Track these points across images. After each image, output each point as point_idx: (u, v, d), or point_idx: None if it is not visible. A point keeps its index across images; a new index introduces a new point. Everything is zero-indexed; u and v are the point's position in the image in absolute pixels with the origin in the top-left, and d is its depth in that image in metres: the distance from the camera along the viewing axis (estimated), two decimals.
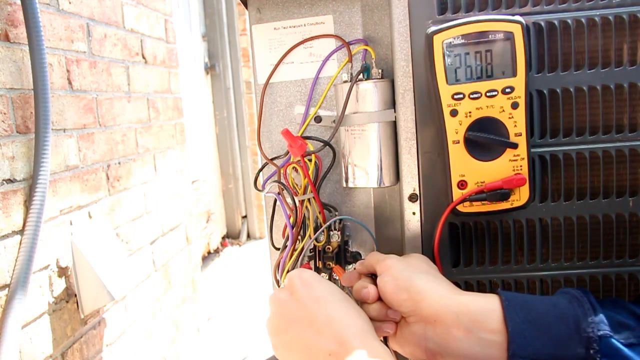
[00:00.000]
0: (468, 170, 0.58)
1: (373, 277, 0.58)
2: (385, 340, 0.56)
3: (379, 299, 0.54)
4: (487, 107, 0.57)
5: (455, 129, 0.58)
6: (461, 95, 0.57)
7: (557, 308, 0.48)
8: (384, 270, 0.55)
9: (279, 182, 0.68)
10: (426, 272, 0.55)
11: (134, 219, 1.81)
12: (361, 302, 0.56)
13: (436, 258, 0.61)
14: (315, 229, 0.67)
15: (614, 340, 0.45)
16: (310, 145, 0.67)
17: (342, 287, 0.67)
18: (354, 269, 0.62)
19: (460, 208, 0.59)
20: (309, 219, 0.67)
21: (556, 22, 0.57)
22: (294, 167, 0.68)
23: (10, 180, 1.17)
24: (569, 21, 0.57)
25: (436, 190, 0.62)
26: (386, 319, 0.54)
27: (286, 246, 0.68)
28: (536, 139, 0.59)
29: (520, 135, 0.57)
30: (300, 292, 0.52)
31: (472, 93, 0.57)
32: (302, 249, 0.68)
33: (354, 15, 0.69)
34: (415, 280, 0.52)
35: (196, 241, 2.49)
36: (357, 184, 0.68)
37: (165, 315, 2.05)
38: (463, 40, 0.56)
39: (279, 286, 0.70)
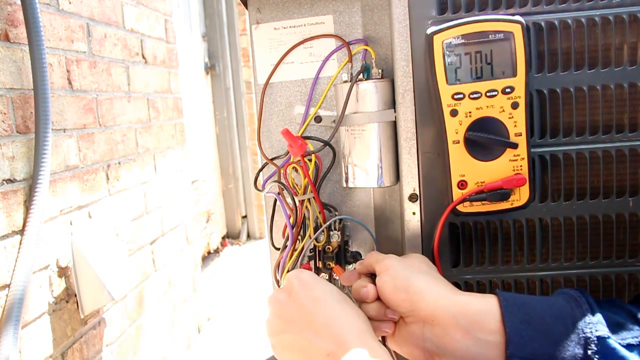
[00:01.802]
0: (468, 170, 0.58)
1: (372, 276, 0.58)
2: (383, 340, 0.56)
3: (378, 298, 0.55)
4: (487, 107, 0.57)
5: (455, 129, 0.58)
6: (461, 95, 0.57)
7: (554, 308, 0.48)
8: (382, 270, 0.55)
9: (279, 182, 0.68)
10: (425, 273, 0.54)
11: (134, 219, 1.81)
12: (360, 302, 0.56)
13: (436, 258, 0.61)
14: (315, 229, 0.67)
15: (611, 341, 0.45)
16: (310, 145, 0.67)
17: (342, 287, 0.67)
18: (354, 268, 0.62)
19: (460, 208, 0.59)
20: (309, 219, 0.67)
21: (556, 22, 0.57)
22: (294, 167, 0.68)
23: (10, 180, 1.17)
24: (569, 21, 0.57)
25: (436, 190, 0.62)
26: (385, 318, 0.54)
27: (286, 246, 0.68)
28: (536, 139, 0.59)
29: (520, 135, 0.57)
30: (298, 293, 0.52)
31: (472, 93, 0.57)
32: (302, 249, 0.68)
33: (354, 15, 0.69)
34: (414, 281, 0.52)
35: (196, 241, 2.49)
36: (357, 184, 0.68)
37: (166, 315, 2.05)
38: (463, 40, 0.56)
39: (279, 286, 0.70)
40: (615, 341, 0.45)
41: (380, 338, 0.55)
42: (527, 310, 0.48)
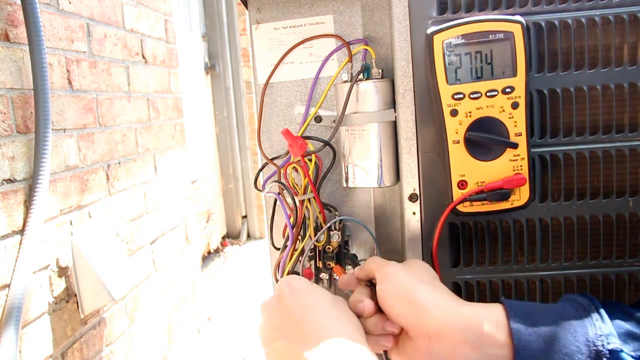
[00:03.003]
0: (468, 170, 0.58)
1: (372, 286, 0.55)
2: (385, 355, 0.54)
3: (377, 309, 0.53)
4: (487, 107, 0.57)
5: (456, 128, 0.58)
6: (461, 95, 0.57)
7: (563, 318, 0.46)
8: (384, 277, 0.52)
9: (279, 182, 0.68)
10: (428, 283, 0.52)
11: (134, 219, 1.81)
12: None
13: (435, 258, 0.61)
14: (316, 229, 0.68)
15: (624, 355, 0.43)
16: (311, 145, 0.67)
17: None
18: (353, 272, 0.61)
19: (460, 208, 0.59)
20: (309, 219, 0.67)
21: (556, 22, 0.57)
22: (294, 167, 0.68)
23: (10, 180, 1.17)
24: (569, 21, 0.57)
25: (436, 190, 0.62)
26: (384, 332, 0.52)
27: (286, 246, 0.68)
28: (536, 138, 0.59)
29: (521, 135, 0.57)
30: (288, 300, 0.51)
31: (472, 93, 0.57)
32: (303, 249, 0.68)
33: (354, 15, 0.69)
34: (419, 292, 0.50)
35: (196, 241, 2.49)
36: (357, 184, 0.68)
37: (166, 315, 2.05)
38: (463, 40, 0.56)
39: None
40: (627, 354, 0.43)
41: (382, 352, 0.53)
42: (534, 320, 0.46)
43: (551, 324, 0.46)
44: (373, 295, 0.54)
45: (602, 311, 0.46)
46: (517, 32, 0.55)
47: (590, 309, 0.47)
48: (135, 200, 1.84)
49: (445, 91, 0.57)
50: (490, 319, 0.47)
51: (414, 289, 0.50)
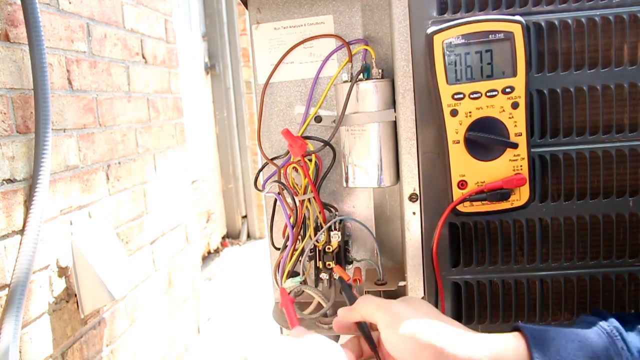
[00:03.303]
0: (468, 170, 0.58)
1: (363, 329, 0.51)
2: None
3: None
4: (487, 107, 0.57)
5: (456, 128, 0.58)
6: (461, 95, 0.57)
7: (587, 347, 0.44)
8: (392, 321, 0.48)
9: (279, 182, 0.68)
10: (439, 319, 0.49)
11: (134, 219, 1.81)
12: None
13: (434, 258, 0.61)
14: (316, 229, 0.68)
15: None
16: (311, 145, 0.67)
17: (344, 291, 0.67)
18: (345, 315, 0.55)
19: (460, 208, 0.59)
20: (309, 218, 0.68)
21: (556, 22, 0.57)
22: (294, 167, 0.68)
23: (10, 180, 1.17)
24: (569, 21, 0.57)
25: (436, 190, 0.62)
26: None
27: (286, 246, 0.68)
28: (536, 139, 0.59)
29: (521, 135, 0.57)
30: None
31: (472, 93, 0.57)
32: (303, 249, 0.68)
33: (354, 15, 0.69)
34: (436, 332, 0.47)
35: (196, 241, 2.49)
36: (357, 184, 0.68)
37: (166, 315, 2.05)
38: (463, 40, 0.56)
39: (279, 286, 0.70)
40: None
41: None
42: (557, 348, 0.44)
43: (574, 352, 0.44)
44: (360, 342, 0.51)
45: (626, 336, 0.45)
46: (517, 32, 0.55)
47: (614, 335, 0.45)
48: (136, 200, 1.84)
49: (445, 91, 0.57)
50: (513, 351, 0.45)
51: (431, 330, 0.47)
